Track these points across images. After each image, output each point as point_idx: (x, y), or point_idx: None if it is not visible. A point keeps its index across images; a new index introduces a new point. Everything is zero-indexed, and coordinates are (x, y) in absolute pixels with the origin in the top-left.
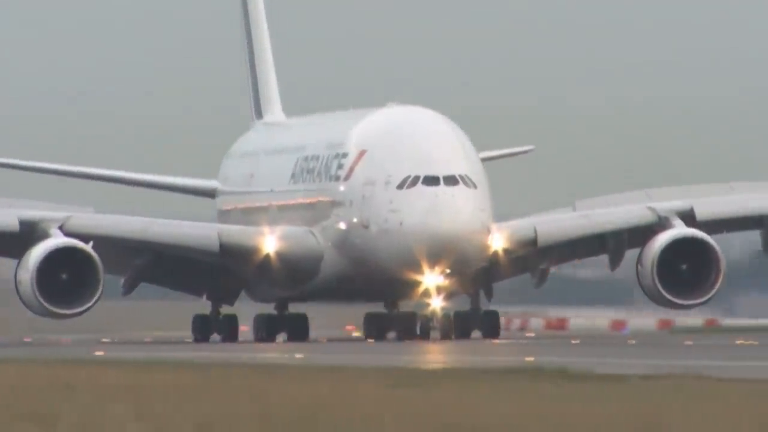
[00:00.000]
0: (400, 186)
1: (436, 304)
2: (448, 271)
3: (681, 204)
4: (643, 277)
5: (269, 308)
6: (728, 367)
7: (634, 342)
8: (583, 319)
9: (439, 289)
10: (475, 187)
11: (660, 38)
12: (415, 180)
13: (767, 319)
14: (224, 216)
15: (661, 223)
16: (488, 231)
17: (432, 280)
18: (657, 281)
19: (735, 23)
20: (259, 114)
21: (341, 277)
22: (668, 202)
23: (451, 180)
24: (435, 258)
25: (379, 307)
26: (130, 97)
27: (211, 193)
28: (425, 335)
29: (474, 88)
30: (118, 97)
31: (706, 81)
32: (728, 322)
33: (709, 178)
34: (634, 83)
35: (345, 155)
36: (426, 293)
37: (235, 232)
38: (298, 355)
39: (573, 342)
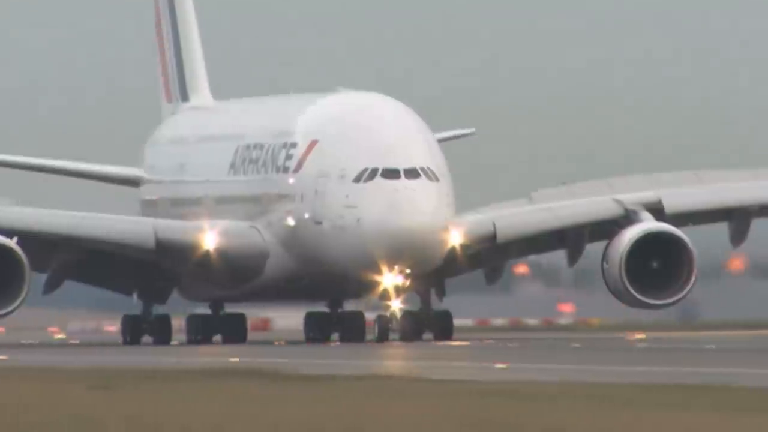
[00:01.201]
0: (357, 179)
1: (396, 305)
2: (408, 270)
3: (649, 196)
4: (610, 275)
5: (203, 308)
6: (438, 368)
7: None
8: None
9: (398, 290)
10: (437, 180)
11: (624, 18)
12: (373, 173)
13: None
14: (149, 207)
15: (628, 217)
16: (451, 227)
17: (391, 280)
18: (625, 280)
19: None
20: (184, 97)
21: (288, 277)
22: (635, 193)
23: (412, 173)
24: (395, 257)
25: (321, 307)
26: (43, 80)
27: (134, 182)
28: (383, 337)
29: (413, 71)
30: (29, 81)
31: (670, 65)
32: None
33: (674, 166)
34: (593, 65)
35: (294, 145)
36: (384, 294)
37: (172, 228)
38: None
39: (276, 343)
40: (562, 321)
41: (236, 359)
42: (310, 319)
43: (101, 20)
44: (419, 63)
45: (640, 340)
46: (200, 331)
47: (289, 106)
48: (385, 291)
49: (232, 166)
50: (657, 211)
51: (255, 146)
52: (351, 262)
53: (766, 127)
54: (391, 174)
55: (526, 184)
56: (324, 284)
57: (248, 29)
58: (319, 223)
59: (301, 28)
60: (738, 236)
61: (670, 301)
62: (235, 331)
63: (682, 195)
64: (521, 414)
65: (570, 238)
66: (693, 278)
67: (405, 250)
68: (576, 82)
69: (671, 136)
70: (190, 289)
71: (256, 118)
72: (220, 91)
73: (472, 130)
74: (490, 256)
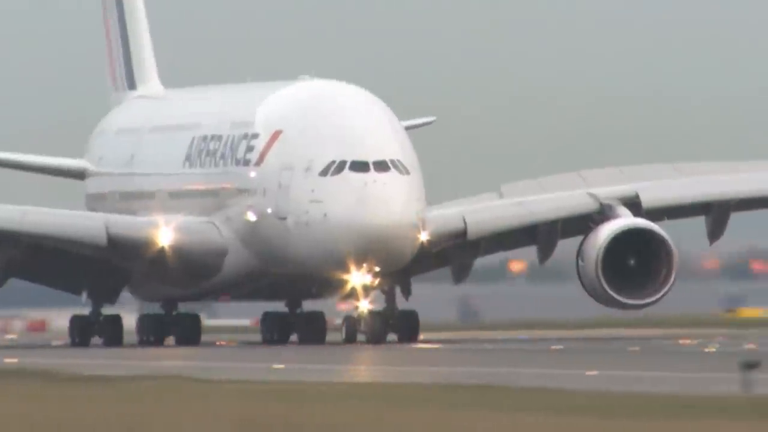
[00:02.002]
0: (324, 172)
1: (364, 305)
2: (377, 269)
3: (625, 189)
4: (585, 273)
5: (155, 307)
6: (214, 369)
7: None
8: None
9: (366, 289)
10: (408, 173)
11: (597, 8)
12: (340, 166)
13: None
14: (96, 201)
15: (603, 212)
16: (423, 223)
17: (359, 278)
18: (602, 278)
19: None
20: (132, 85)
21: (247, 275)
22: (610, 187)
23: (381, 166)
24: (364, 254)
25: (279, 306)
26: None
27: (79, 174)
28: (351, 338)
29: (371, 59)
30: None
31: (644, 55)
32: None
33: (647, 158)
34: (564, 55)
35: (255, 136)
36: (352, 293)
37: (124, 223)
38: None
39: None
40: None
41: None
42: (268, 319)
43: (44, 7)
44: (378, 50)
45: (424, 340)
46: (152, 332)
47: (248, 94)
48: (353, 290)
49: (188, 158)
50: (633, 205)
51: (212, 137)
52: (316, 259)
53: (743, 119)
54: (360, 167)
55: (494, 177)
56: (286, 283)
57: (198, 15)
58: (283, 218)
59: (254, 15)
60: (716, 231)
61: (648, 301)
62: (189, 332)
63: (659, 188)
64: (296, 414)
65: (542, 234)
66: (672, 277)
67: (374, 248)
68: (546, 73)
69: (644, 127)
70: (142, 288)
71: (213, 107)
72: (169, 79)
73: (433, 118)
74: (458, 252)
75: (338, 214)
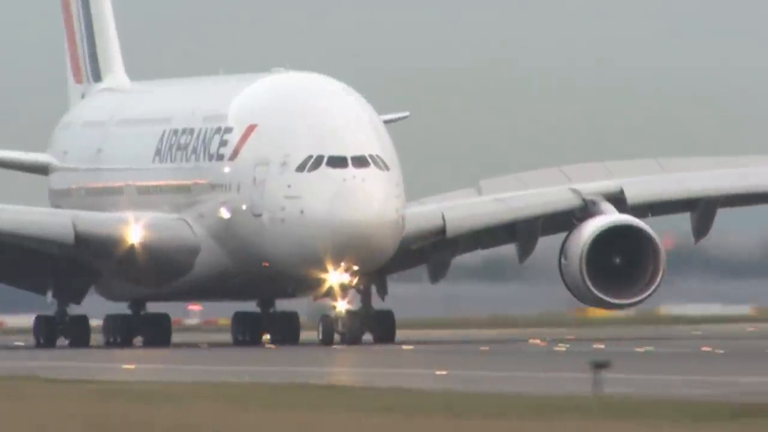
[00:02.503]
0: (301, 168)
1: (342, 305)
2: (355, 267)
3: (609, 185)
4: (569, 272)
5: (122, 307)
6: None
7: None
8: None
9: (344, 289)
10: (387, 169)
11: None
12: (318, 161)
13: None
14: (60, 197)
15: (587, 208)
16: (402, 220)
17: (337, 277)
18: (586, 277)
19: None
20: (96, 77)
21: (220, 274)
22: (593, 182)
23: (360, 161)
24: (342, 253)
25: (250, 306)
26: None
27: (41, 169)
28: (328, 339)
29: (343, 52)
30: None
31: (626, 46)
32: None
33: (629, 153)
34: (544, 46)
35: (229, 130)
36: (329, 293)
37: (92, 220)
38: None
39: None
40: (189, 321)
41: None
42: (240, 319)
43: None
44: (351, 43)
45: (269, 341)
46: (119, 333)
47: (221, 87)
48: (330, 290)
49: (158, 152)
50: (617, 201)
51: (184, 131)
52: (293, 257)
53: (731, 114)
54: (338, 162)
55: (472, 172)
56: (259, 282)
57: (165, 6)
58: (258, 215)
59: (224, 5)
60: (702, 228)
61: (634, 300)
62: (158, 332)
63: (644, 184)
64: (140, 414)
65: (522, 232)
66: (660, 276)
67: (353, 246)
68: (526, 65)
69: (627, 121)
70: (110, 288)
71: (184, 100)
72: (135, 72)
73: (407, 113)
74: (436, 251)
75: (316, 210)
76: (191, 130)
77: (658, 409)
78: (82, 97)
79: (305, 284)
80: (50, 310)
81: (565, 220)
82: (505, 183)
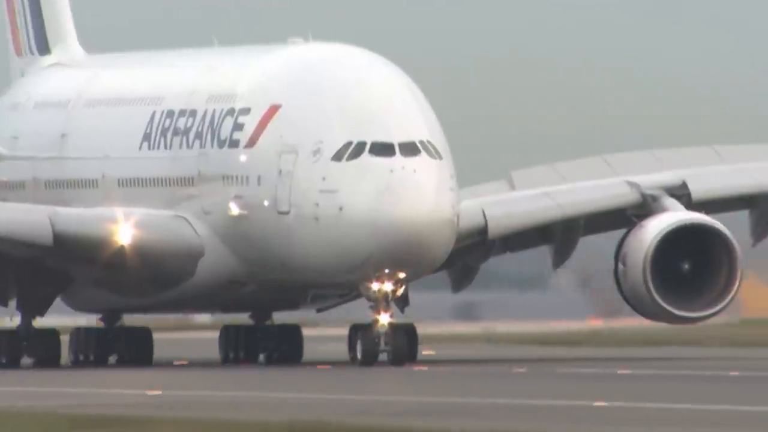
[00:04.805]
0: (338, 157)
1: (385, 318)
2: (402, 274)
3: (668, 177)
4: (629, 280)
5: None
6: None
7: None
8: None
9: (388, 299)
10: (440, 157)
11: None
12: (359, 148)
13: None
14: (8, 190)
15: (645, 204)
16: (458, 218)
17: (382, 287)
18: (651, 286)
19: None
20: (43, 50)
21: (227, 281)
22: (651, 175)
23: (410, 148)
24: (389, 257)
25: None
26: None
27: None
28: (369, 359)
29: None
30: None
31: (659, 32)
32: None
33: (678, 140)
34: (577, 28)
35: (245, 111)
36: (377, 305)
37: (74, 218)
38: None
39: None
40: (200, 319)
41: None
42: (229, 334)
43: None
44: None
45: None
46: (90, 350)
47: (227, 61)
48: (377, 302)
49: (147, 138)
50: (682, 197)
51: (182, 113)
52: (327, 262)
53: None
54: (383, 150)
55: (501, 162)
56: (276, 291)
57: None
58: (284, 212)
59: None
60: (765, 227)
61: (706, 313)
62: (138, 349)
63: (710, 176)
64: None
65: (561, 232)
66: (736, 284)
67: (402, 249)
68: (557, 45)
69: (671, 106)
70: (80, 296)
71: (179, 76)
72: (90, 44)
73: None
74: (469, 253)
75: (357, 207)
76: (193, 112)
77: None
78: (22, 74)
79: (334, 294)
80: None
81: (611, 219)
82: (541, 174)
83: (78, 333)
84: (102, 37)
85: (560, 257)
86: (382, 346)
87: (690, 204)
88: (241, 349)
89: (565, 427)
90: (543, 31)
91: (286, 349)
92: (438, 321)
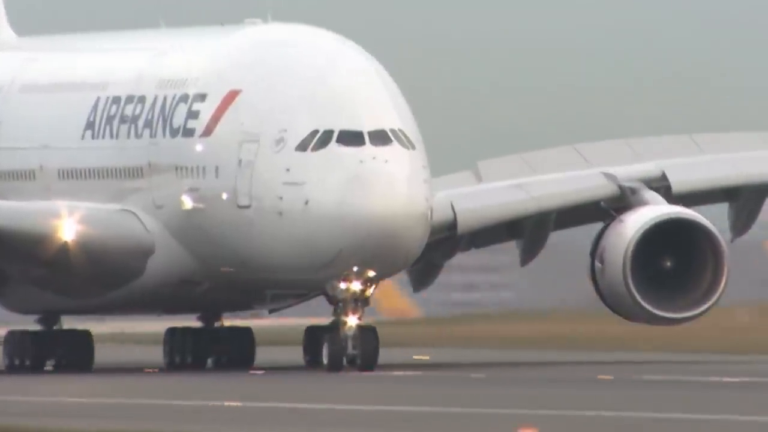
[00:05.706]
0: (303, 146)
1: (353, 320)
2: (372, 273)
3: (647, 168)
4: (607, 278)
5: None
6: None
7: None
8: None
9: (357, 299)
10: (413, 147)
11: None
12: (326, 137)
13: None
14: None
15: (625, 198)
16: (431, 212)
17: (350, 286)
18: (632, 286)
19: None
20: None
21: (179, 280)
22: (628, 166)
23: (380, 137)
24: (359, 254)
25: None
26: None
27: None
28: (336, 364)
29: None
30: None
31: (641, 23)
32: None
33: (654, 128)
34: (552, 7)
35: (201, 97)
36: (341, 305)
37: (12, 211)
38: None
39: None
40: None
41: None
42: (177, 336)
43: None
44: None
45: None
46: (27, 355)
47: (178, 44)
48: (344, 301)
49: (90, 126)
50: (662, 189)
51: (129, 99)
52: (292, 260)
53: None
54: (352, 139)
55: (467, 152)
56: (231, 291)
57: None
58: (245, 206)
59: None
60: (745, 220)
61: (690, 314)
62: (77, 354)
63: (691, 167)
64: None
65: (530, 227)
66: (723, 282)
67: (373, 245)
68: (527, 28)
69: (648, 92)
70: (16, 296)
71: (123, 59)
72: (22, 26)
73: None
74: (434, 250)
75: (324, 201)
76: (141, 98)
77: None
78: None
79: (292, 295)
80: None
81: (585, 212)
82: (509, 165)
83: (13, 336)
84: (34, 19)
85: (529, 254)
86: (350, 350)
87: (669, 196)
88: (189, 353)
89: None
90: (509, 15)
91: (237, 353)
92: None
